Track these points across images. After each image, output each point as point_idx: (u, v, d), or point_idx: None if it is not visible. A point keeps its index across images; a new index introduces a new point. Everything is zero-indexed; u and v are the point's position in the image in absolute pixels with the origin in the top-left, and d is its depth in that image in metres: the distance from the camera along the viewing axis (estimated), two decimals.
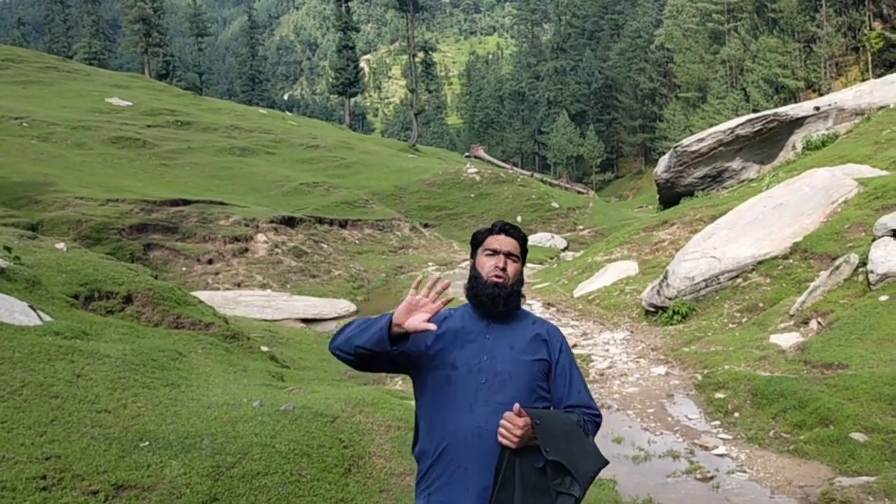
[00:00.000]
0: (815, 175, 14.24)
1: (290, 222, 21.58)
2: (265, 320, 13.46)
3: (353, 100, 71.82)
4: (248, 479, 4.12)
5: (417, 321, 2.27)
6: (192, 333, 7.78)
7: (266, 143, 34.44)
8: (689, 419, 7.65)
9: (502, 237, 2.52)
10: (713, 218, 15.13)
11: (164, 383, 5.23)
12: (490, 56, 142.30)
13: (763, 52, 46.07)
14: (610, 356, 10.51)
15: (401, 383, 8.75)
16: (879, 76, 31.97)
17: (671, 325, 11.70)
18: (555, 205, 31.49)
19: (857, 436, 6.13)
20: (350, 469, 4.68)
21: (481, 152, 62.11)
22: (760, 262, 11.83)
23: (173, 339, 7.22)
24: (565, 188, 45.91)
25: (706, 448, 6.78)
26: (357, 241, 23.77)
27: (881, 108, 21.18)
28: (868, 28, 42.39)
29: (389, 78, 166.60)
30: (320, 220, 23.33)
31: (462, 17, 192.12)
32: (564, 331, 9.94)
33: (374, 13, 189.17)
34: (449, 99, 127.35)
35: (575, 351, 10.24)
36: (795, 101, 36.03)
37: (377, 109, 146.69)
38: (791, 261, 11.57)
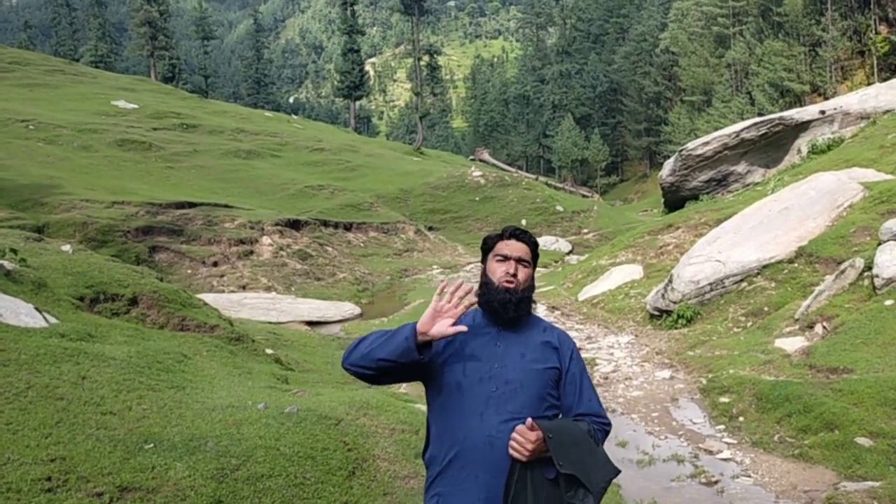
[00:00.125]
0: (820, 179, 14.21)
1: (295, 225, 21.62)
2: (270, 323, 13.47)
3: (358, 103, 71.93)
4: (252, 481, 4.12)
5: (444, 327, 2.28)
6: (197, 336, 7.79)
7: (271, 145, 34.52)
8: (694, 423, 7.64)
9: (513, 242, 2.51)
10: (718, 222, 15.10)
11: (169, 385, 5.24)
12: (495, 59, 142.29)
13: (768, 56, 45.97)
14: (614, 360, 10.50)
15: (405, 387, 8.75)
16: (885, 80, 31.90)
17: (676, 328, 11.69)
18: (559, 208, 31.46)
19: (863, 440, 6.11)
20: (354, 472, 4.68)
21: (486, 156, 62.07)
22: (765, 266, 11.80)
23: (178, 341, 7.24)
24: (570, 192, 45.86)
25: (711, 452, 6.77)
26: (362, 244, 23.79)
27: (887, 111, 21.12)
28: (874, 32, 42.27)
29: (394, 81, 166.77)
30: (325, 223, 23.37)
31: (467, 21, 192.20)
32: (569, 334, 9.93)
33: (380, 17, 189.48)
34: (454, 102, 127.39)
35: None
36: (801, 105, 35.93)
37: (382, 113, 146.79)
38: (796, 265, 11.54)
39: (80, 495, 3.53)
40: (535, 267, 2.56)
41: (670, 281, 12.45)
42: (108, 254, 12.36)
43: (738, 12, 52.63)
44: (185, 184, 24.86)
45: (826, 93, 42.19)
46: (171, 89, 48.95)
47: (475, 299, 2.45)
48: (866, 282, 9.51)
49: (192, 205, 20.15)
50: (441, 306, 2.31)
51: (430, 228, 28.74)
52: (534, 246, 2.55)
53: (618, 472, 2.38)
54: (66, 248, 9.04)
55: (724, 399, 7.92)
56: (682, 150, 26.32)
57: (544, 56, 79.30)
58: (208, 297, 12.17)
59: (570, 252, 26.37)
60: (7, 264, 6.57)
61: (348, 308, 16.34)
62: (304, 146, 36.18)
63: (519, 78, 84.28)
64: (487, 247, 2.57)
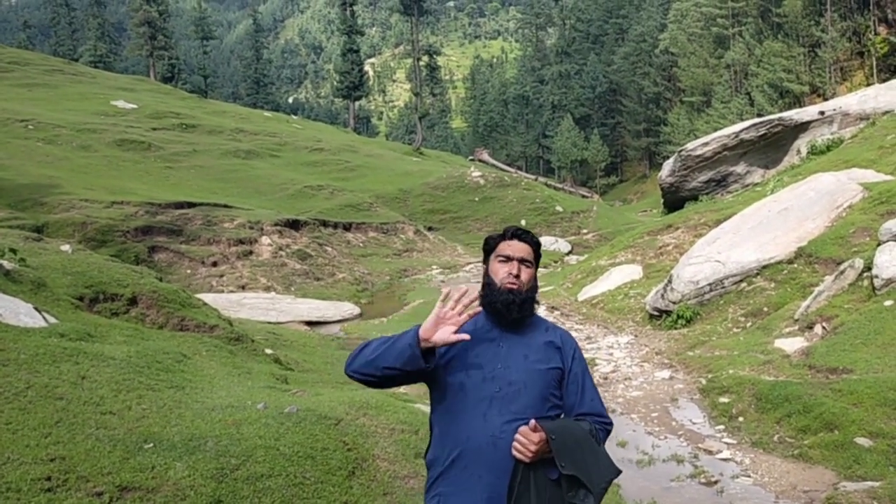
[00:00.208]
0: (819, 180, 14.22)
1: (294, 225, 21.61)
2: (269, 323, 13.47)
3: (357, 103, 71.97)
4: (251, 481, 4.12)
5: (446, 334, 2.27)
6: (196, 336, 7.79)
7: (271, 146, 34.51)
8: (693, 423, 7.64)
9: (515, 242, 2.50)
10: (718, 222, 15.11)
11: (168, 385, 5.24)
12: (494, 60, 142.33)
13: (768, 57, 45.99)
14: (614, 360, 10.50)
15: (404, 387, 8.74)
16: (884, 81, 31.92)
17: (675, 329, 11.69)
18: (559, 208, 31.46)
19: (862, 441, 6.11)
20: (354, 472, 4.67)
21: (485, 156, 62.06)
22: (765, 267, 11.81)
23: (178, 341, 7.23)
24: (569, 192, 45.86)
25: (710, 452, 6.77)
26: (361, 244, 23.79)
27: (886, 112, 21.14)
28: (873, 33, 42.28)
29: (394, 81, 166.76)
30: (324, 223, 23.37)
31: (466, 21, 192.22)
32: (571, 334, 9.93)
33: (379, 17, 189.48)
34: (453, 102, 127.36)
35: None
36: (800, 106, 35.93)
37: (381, 113, 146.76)
38: (796, 265, 11.55)
39: (79, 495, 3.53)
40: (537, 267, 2.55)
41: (670, 281, 12.45)
42: (107, 254, 12.36)
43: (737, 13, 52.65)
44: (184, 184, 24.85)
45: (825, 94, 42.20)
46: (170, 89, 48.93)
47: (479, 309, 2.44)
48: (866, 282, 9.51)
49: (191, 205, 20.14)
50: (444, 313, 2.30)
51: (430, 229, 28.75)
52: (536, 246, 2.54)
53: (619, 472, 2.39)
54: (66, 247, 9.03)
55: (723, 399, 7.92)
56: (681, 151, 26.35)
57: (544, 56, 79.33)
58: (207, 297, 12.17)
59: (569, 252, 26.38)
60: (6, 264, 6.56)
61: (348, 308, 16.33)
62: (304, 146, 36.17)
63: (518, 78, 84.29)
64: (489, 248, 2.55)
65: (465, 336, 2.28)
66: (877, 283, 9.15)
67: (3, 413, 4.00)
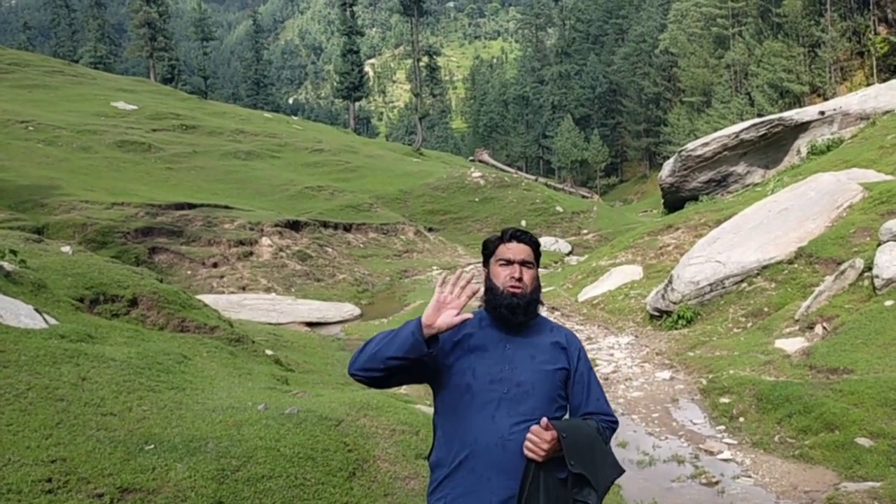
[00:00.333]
0: (820, 180, 14.22)
1: (294, 226, 21.61)
2: (270, 324, 13.47)
3: (357, 104, 71.99)
4: (252, 482, 4.12)
5: (449, 317, 2.26)
6: (197, 337, 7.78)
7: (271, 146, 34.50)
8: (694, 424, 7.64)
9: (514, 244, 2.48)
10: (718, 222, 15.11)
11: (169, 386, 5.24)
12: (494, 60, 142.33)
13: (768, 57, 45.99)
14: (615, 360, 10.50)
15: (405, 387, 8.74)
16: (884, 81, 31.92)
17: (676, 329, 11.69)
18: (559, 209, 31.46)
19: (863, 441, 6.11)
20: (354, 473, 4.67)
21: (485, 156, 62.07)
22: (765, 267, 11.81)
23: (178, 342, 7.23)
24: (569, 192, 45.86)
25: (711, 453, 6.77)
26: (361, 245, 23.79)
27: (886, 112, 21.15)
28: (873, 32, 42.28)
29: (394, 82, 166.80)
30: (325, 224, 23.37)
31: (466, 22, 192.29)
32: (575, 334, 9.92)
33: (379, 18, 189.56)
34: (453, 103, 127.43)
35: None
36: (800, 106, 35.91)
37: (382, 113, 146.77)
38: (796, 265, 11.55)
39: (80, 496, 3.53)
40: (538, 266, 2.54)
41: (670, 281, 12.45)
42: (107, 255, 12.37)
43: (737, 13, 52.65)
44: (184, 185, 24.85)
45: (825, 94, 42.21)
46: (170, 90, 48.92)
47: (479, 286, 2.42)
48: (866, 282, 9.51)
49: (191, 206, 20.15)
50: (444, 297, 2.29)
51: (430, 229, 28.74)
52: (535, 246, 2.52)
53: (622, 471, 2.41)
54: (66, 249, 9.04)
55: (724, 400, 7.92)
56: (681, 151, 26.37)
57: (543, 57, 79.34)
58: (208, 298, 12.18)
59: (569, 253, 26.37)
60: (7, 265, 6.56)
61: (348, 309, 16.33)
62: (304, 147, 36.17)
63: (518, 79, 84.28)
64: (488, 251, 2.54)
65: (469, 315, 2.28)
66: (877, 283, 9.15)
67: (4, 414, 4.00)
